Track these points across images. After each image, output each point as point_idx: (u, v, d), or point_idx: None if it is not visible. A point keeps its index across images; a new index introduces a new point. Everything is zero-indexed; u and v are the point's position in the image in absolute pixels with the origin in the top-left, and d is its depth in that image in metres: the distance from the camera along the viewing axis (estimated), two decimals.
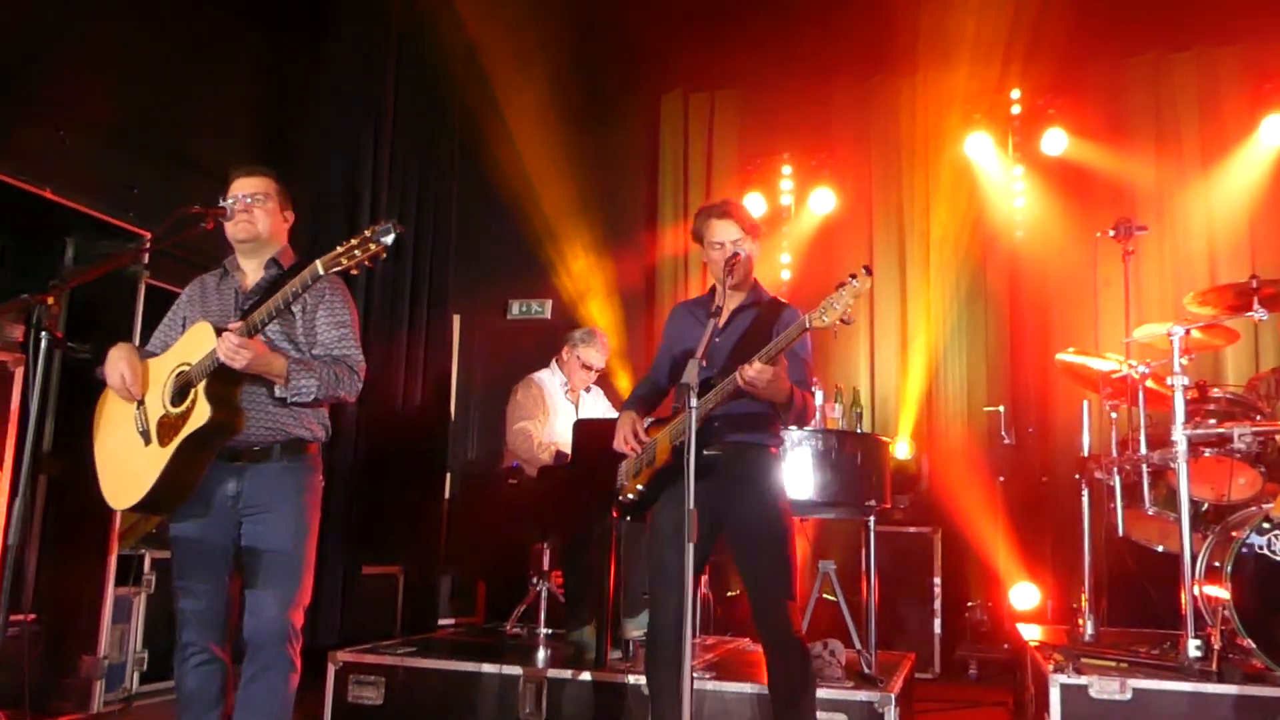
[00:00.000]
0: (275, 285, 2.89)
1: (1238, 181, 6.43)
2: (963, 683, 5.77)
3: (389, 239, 2.57)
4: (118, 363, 2.83)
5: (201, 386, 2.68)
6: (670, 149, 7.70)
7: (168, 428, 2.72)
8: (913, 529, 5.99)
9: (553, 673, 3.98)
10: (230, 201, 2.95)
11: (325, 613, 5.29)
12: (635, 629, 4.55)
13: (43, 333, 2.38)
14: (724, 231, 3.26)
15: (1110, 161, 6.62)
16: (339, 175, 5.80)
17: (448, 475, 6.70)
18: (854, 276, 2.83)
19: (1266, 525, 3.66)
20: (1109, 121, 6.73)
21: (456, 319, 7.22)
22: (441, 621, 6.03)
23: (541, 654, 4.50)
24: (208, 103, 5.80)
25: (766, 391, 2.91)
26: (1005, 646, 5.85)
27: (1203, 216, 6.49)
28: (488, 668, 4.04)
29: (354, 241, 2.57)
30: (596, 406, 5.44)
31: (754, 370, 2.86)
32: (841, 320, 2.83)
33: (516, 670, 3.99)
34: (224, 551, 2.85)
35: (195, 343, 2.77)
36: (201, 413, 2.65)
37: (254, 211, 2.96)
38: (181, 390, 2.74)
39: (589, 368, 5.32)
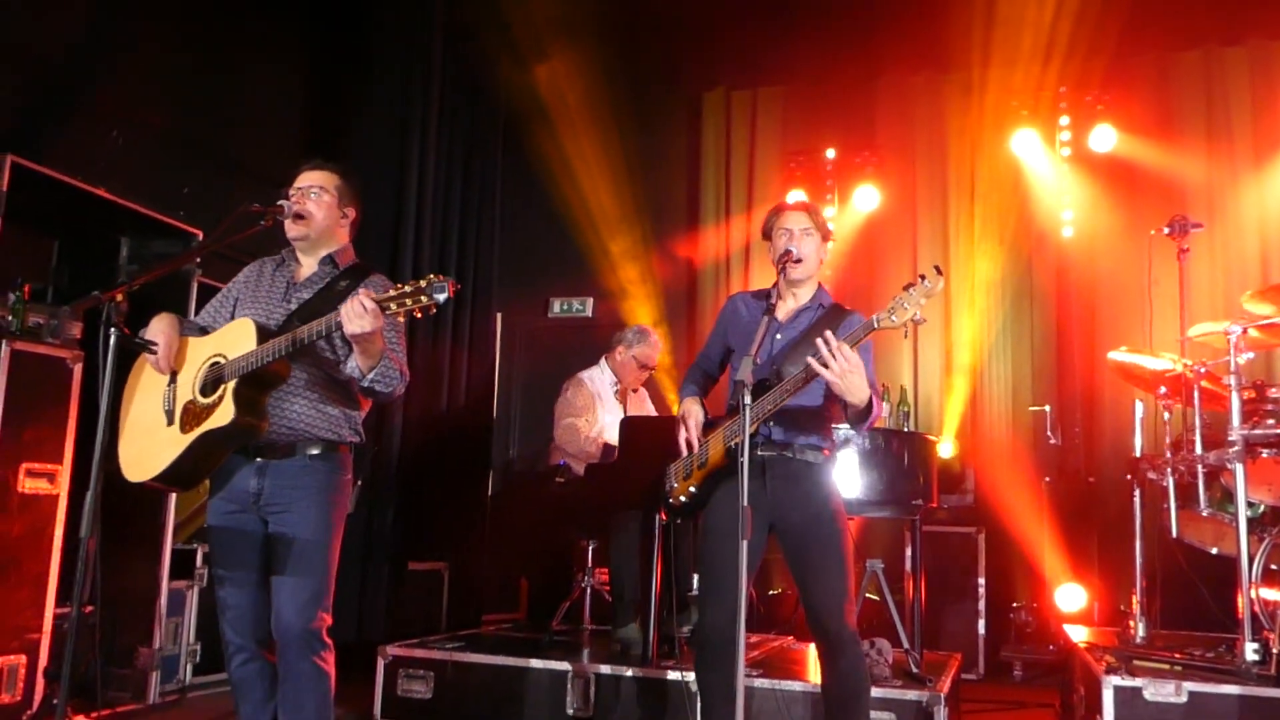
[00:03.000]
0: (330, 286, 2.91)
1: None
2: (1008, 684, 5.72)
3: (442, 297, 2.51)
4: (157, 333, 2.82)
5: (232, 385, 2.66)
6: (712, 147, 7.70)
7: (192, 415, 2.72)
8: (957, 529, 5.95)
9: (600, 668, 3.99)
10: (289, 198, 2.95)
11: (372, 607, 5.35)
12: (682, 627, 4.57)
13: (111, 329, 2.42)
14: (793, 219, 3.21)
15: (1160, 158, 6.53)
16: (383, 175, 5.86)
17: (490, 473, 6.74)
18: (924, 277, 2.78)
19: None
20: (1158, 117, 6.64)
21: (499, 318, 7.26)
22: (485, 618, 6.07)
23: (588, 650, 4.51)
24: (254, 103, 5.89)
25: (848, 383, 2.79)
26: (1051, 648, 5.80)
27: (1255, 213, 6.38)
28: (535, 663, 4.07)
29: (407, 289, 2.52)
30: (643, 407, 5.43)
31: (845, 351, 2.77)
32: (913, 321, 2.78)
33: (564, 666, 4.02)
34: (254, 545, 2.83)
35: (236, 338, 2.75)
36: (225, 413, 2.64)
37: (307, 204, 2.94)
38: (213, 382, 2.72)
39: (646, 367, 5.30)
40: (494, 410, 7.11)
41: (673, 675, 3.89)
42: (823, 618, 3.06)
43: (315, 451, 2.84)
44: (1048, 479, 6.26)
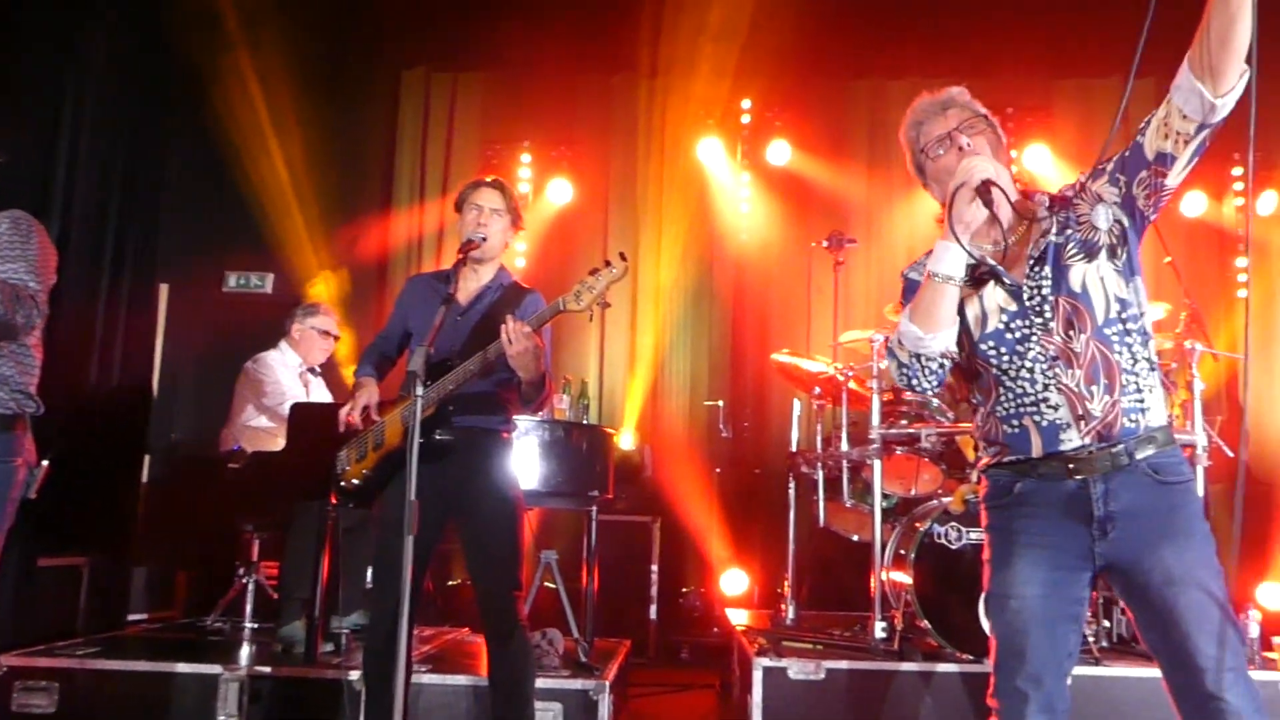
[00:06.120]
0: None
1: (935, 203, 7.04)
2: (676, 666, 5.99)
3: None
4: None
5: None
6: (410, 128, 7.49)
7: None
8: (635, 518, 6.15)
9: (257, 670, 3.74)
10: None
11: None
12: (350, 622, 4.39)
13: None
14: (486, 196, 3.19)
15: (829, 176, 7.09)
16: (35, 114, 5.17)
17: (146, 457, 6.15)
18: (609, 263, 2.86)
19: (945, 517, 4.03)
20: (829, 138, 7.20)
21: (164, 289, 6.64)
22: (133, 617, 5.53)
23: (245, 650, 4.22)
24: None
25: (525, 359, 2.84)
26: (715, 631, 6.13)
27: (906, 233, 7.09)
28: (182, 667, 3.74)
29: None
30: (324, 395, 5.18)
31: (524, 330, 2.80)
32: (600, 304, 2.83)
33: (215, 669, 3.72)
34: None
35: None
36: None
37: None
38: None
39: (329, 334, 5.07)
40: (154, 388, 6.49)
41: (337, 674, 3.71)
42: (491, 607, 3.06)
43: None
44: (718, 470, 6.62)
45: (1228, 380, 6.67)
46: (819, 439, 4.99)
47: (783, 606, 5.01)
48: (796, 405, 5.26)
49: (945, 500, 4.11)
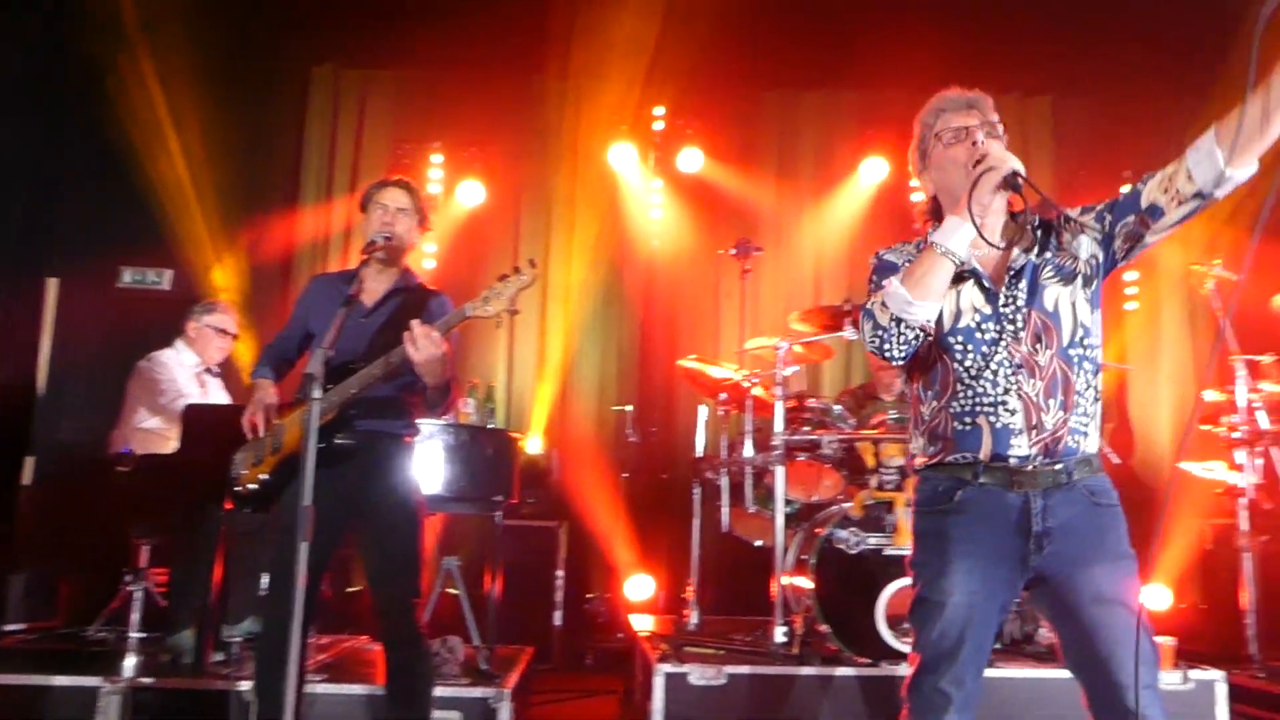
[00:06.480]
0: None
1: (842, 213, 7.22)
2: (580, 672, 5.96)
3: None
4: None
5: None
6: (318, 124, 7.35)
7: None
8: (541, 523, 6.10)
9: (140, 681, 3.60)
10: None
11: None
12: (242, 630, 4.26)
13: None
14: (392, 196, 3.15)
15: (738, 184, 7.17)
16: None
17: (26, 459, 5.88)
18: (518, 269, 2.83)
19: (845, 522, 4.09)
20: (740, 147, 7.28)
21: (53, 284, 6.37)
22: (10, 627, 5.28)
23: (130, 661, 4.05)
24: None
25: (431, 365, 2.80)
26: (620, 636, 6.12)
27: (813, 243, 7.21)
28: (60, 680, 3.58)
29: None
30: (221, 396, 5.02)
31: (433, 336, 2.76)
32: (508, 311, 2.81)
33: (95, 681, 3.57)
34: None
35: None
36: None
37: None
38: None
39: (226, 332, 4.92)
40: (38, 386, 6.21)
41: (225, 685, 3.60)
42: (389, 615, 3.01)
43: None
44: (626, 475, 6.62)
45: (1116, 390, 6.94)
46: (724, 445, 5.02)
47: (686, 612, 5.03)
48: (702, 411, 5.30)
49: (846, 506, 4.17)
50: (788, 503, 4.40)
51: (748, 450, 4.58)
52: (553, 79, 7.19)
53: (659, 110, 7.21)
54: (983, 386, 2.15)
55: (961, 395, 2.17)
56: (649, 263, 7.20)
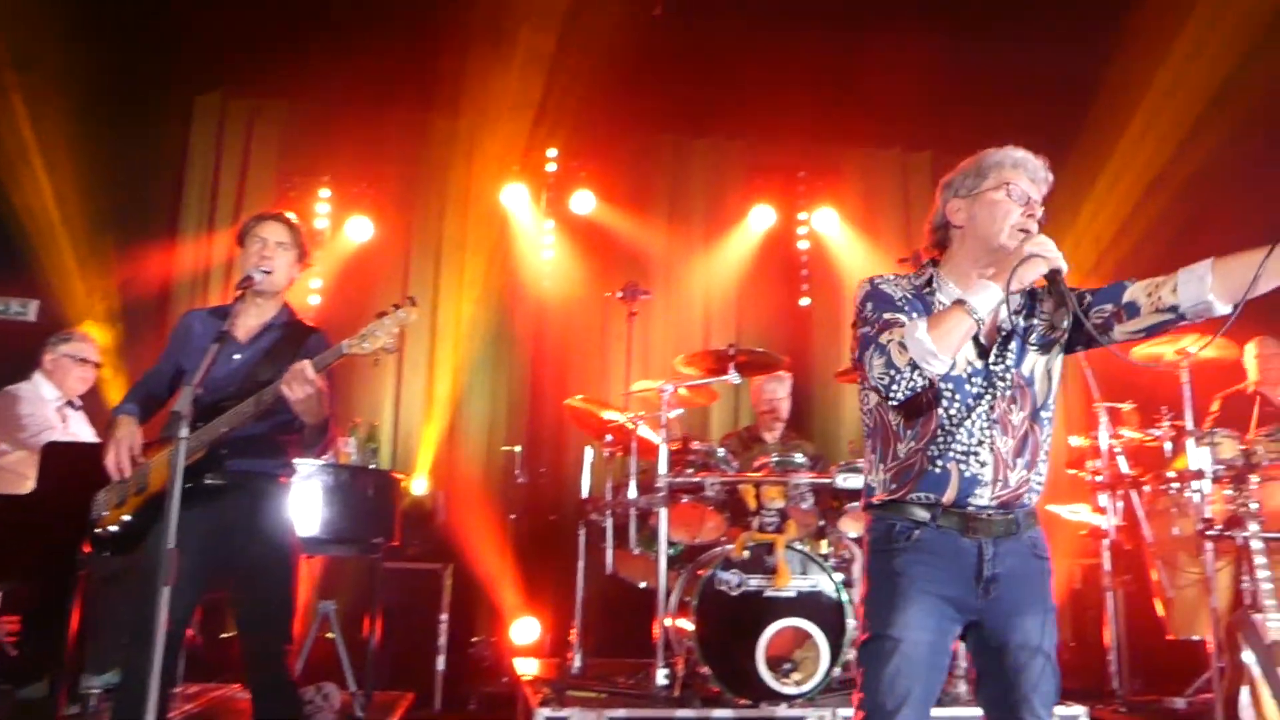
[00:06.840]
0: None
1: (731, 259, 7.38)
2: (464, 717, 5.84)
3: None
4: None
5: None
6: (201, 154, 7.16)
7: None
8: (425, 565, 5.98)
9: None
10: None
11: None
12: (104, 681, 4.07)
13: None
14: (270, 229, 3.10)
15: (630, 228, 7.26)
16: None
17: None
18: (398, 306, 2.80)
19: (727, 564, 4.13)
20: (632, 190, 7.38)
21: None
22: None
23: None
24: None
25: (307, 404, 2.76)
26: (504, 680, 6.03)
27: (702, 287, 7.34)
28: None
29: None
30: (84, 430, 4.82)
31: (309, 374, 2.72)
32: (384, 349, 2.78)
33: None
34: None
35: None
36: None
37: None
38: None
39: (86, 360, 4.73)
40: None
41: None
42: (258, 662, 2.92)
43: None
44: (513, 516, 6.56)
45: None
46: (609, 487, 5.04)
47: (570, 654, 5.00)
48: (589, 453, 5.31)
49: (728, 547, 4.21)
50: (671, 544, 4.44)
51: (632, 492, 4.60)
52: (445, 117, 7.17)
53: (552, 152, 7.27)
54: (961, 434, 2.23)
55: (940, 439, 2.24)
56: (539, 303, 7.21)
